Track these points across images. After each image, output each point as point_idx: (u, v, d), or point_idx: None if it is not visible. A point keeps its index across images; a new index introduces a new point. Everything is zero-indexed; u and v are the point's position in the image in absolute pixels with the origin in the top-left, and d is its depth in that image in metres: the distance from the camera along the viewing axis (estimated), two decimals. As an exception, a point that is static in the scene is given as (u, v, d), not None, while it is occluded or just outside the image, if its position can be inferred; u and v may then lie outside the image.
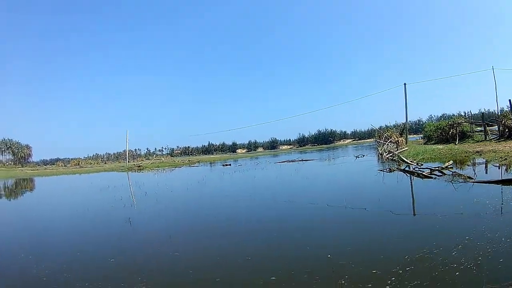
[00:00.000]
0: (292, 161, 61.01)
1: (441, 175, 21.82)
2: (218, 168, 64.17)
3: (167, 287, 10.55)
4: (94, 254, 14.80)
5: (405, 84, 57.16)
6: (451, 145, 32.06)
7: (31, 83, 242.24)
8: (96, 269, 12.66)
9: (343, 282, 8.15)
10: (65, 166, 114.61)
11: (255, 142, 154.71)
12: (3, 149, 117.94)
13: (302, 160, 59.00)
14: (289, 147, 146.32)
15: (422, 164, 27.25)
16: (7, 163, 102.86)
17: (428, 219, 12.27)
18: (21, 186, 48.99)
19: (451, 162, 25.09)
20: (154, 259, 13.44)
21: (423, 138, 50.54)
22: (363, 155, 53.17)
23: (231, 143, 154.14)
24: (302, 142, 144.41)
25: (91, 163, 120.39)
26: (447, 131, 38.34)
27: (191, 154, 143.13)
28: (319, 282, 8.48)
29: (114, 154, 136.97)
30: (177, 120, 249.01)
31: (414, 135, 55.95)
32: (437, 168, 23.06)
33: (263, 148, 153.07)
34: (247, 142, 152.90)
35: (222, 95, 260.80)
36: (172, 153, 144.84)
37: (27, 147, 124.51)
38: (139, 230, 19.14)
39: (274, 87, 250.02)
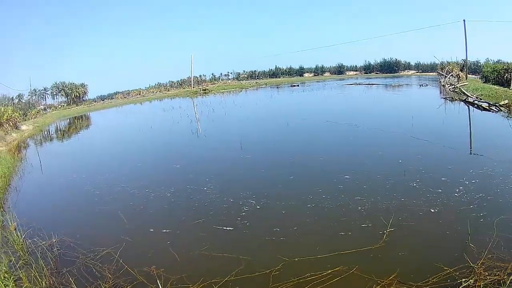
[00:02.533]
0: (359, 84, 60.85)
1: (497, 111, 22.99)
2: (286, 89, 64.33)
3: (237, 184, 12.75)
4: (165, 160, 17.61)
5: (464, 20, 55.03)
6: (506, 88, 32.50)
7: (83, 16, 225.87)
8: (164, 172, 15.41)
9: (414, 184, 10.68)
10: (124, 97, 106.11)
11: (322, 67, 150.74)
12: (55, 93, 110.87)
13: (369, 84, 58.83)
14: (355, 73, 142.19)
15: (481, 99, 28.25)
16: (59, 106, 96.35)
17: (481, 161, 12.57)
18: (72, 125, 46.32)
19: (507, 101, 25.93)
20: (225, 162, 15.92)
21: (480, 78, 50.00)
22: (426, 85, 53.29)
23: (298, 67, 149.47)
24: (368, 69, 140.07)
25: (153, 91, 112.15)
26: (503, 75, 38.35)
27: (257, 78, 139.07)
28: (392, 181, 11.15)
29: (177, 81, 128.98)
30: (243, 42, 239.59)
31: (472, 75, 54.50)
32: (495, 104, 24.36)
33: (330, 73, 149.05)
34: (314, 66, 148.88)
35: (290, 15, 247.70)
36: (238, 77, 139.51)
37: (82, 85, 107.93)
38: (208, 140, 21.51)
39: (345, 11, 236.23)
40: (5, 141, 30.07)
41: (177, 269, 7.55)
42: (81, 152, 24.61)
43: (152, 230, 9.66)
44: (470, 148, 14.92)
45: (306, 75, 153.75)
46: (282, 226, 9.01)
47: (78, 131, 38.90)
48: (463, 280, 5.77)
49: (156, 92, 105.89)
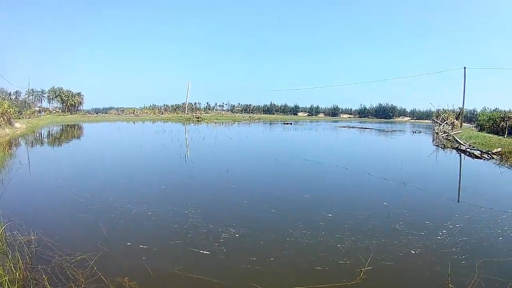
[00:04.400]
0: (353, 127, 61.53)
1: (489, 159, 23.17)
2: (278, 126, 65.18)
3: (219, 211, 12.60)
4: (151, 180, 17.40)
5: (464, 68, 55.62)
6: (500, 137, 32.92)
7: (88, 28, 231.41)
8: (148, 191, 15.27)
9: (397, 226, 10.62)
10: (118, 114, 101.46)
11: (317, 107, 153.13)
12: (51, 97, 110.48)
13: (363, 128, 59.45)
14: (349, 116, 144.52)
15: (473, 147, 28.52)
16: (54, 111, 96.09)
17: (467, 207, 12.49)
18: (66, 131, 47.21)
19: (500, 149, 26.13)
20: (209, 189, 15.88)
21: (476, 127, 50.59)
22: (420, 132, 53.81)
23: (293, 105, 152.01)
24: (363, 113, 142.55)
25: (147, 112, 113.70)
26: (498, 123, 38.85)
27: (251, 112, 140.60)
28: (375, 222, 11.06)
29: (172, 106, 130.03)
30: (239, 76, 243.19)
31: (467, 124, 55.16)
32: (488, 151, 24.60)
33: (324, 114, 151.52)
34: (309, 106, 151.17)
35: (290, 53, 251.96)
36: (232, 109, 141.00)
37: (79, 95, 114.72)
38: (196, 166, 21.33)
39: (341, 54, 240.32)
40: None
41: (149, 284, 7.57)
42: (70, 160, 24.66)
43: (129, 244, 9.70)
44: (458, 195, 14.75)
45: (300, 114, 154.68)
46: (259, 256, 8.93)
47: (70, 139, 39.24)
48: None
49: (150, 114, 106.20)
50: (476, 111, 62.88)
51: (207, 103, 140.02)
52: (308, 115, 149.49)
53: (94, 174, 18.82)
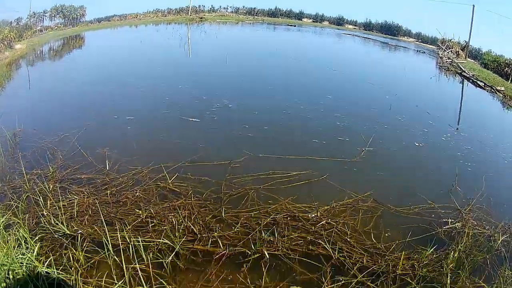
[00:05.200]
0: (357, 36, 59.89)
1: (494, 92, 22.43)
2: (282, 27, 63.58)
3: (215, 87, 12.21)
4: (148, 65, 16.91)
5: (473, 5, 53.62)
6: (504, 80, 32.28)
7: None
8: (144, 73, 14.78)
9: (399, 118, 10.00)
10: (121, 20, 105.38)
11: (322, 15, 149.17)
12: (53, 15, 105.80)
13: (367, 38, 57.67)
14: (354, 27, 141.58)
15: (477, 78, 27.85)
16: (56, 27, 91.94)
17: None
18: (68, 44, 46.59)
19: (503, 88, 25.43)
20: (207, 72, 15.14)
21: (480, 64, 49.76)
22: (424, 52, 52.73)
23: (298, 11, 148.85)
24: (368, 26, 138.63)
25: (150, 16, 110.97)
26: (503, 68, 37.92)
27: (256, 15, 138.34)
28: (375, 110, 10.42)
29: (175, 9, 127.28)
30: None
31: (472, 60, 54.05)
32: (492, 86, 23.85)
33: (329, 22, 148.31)
34: (314, 13, 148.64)
35: None
36: (237, 11, 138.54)
37: (81, 8, 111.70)
38: (196, 54, 20.66)
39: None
40: None
41: (130, 152, 7.21)
42: (70, 62, 23.15)
43: (116, 117, 9.38)
44: (459, 115, 13.87)
45: (305, 19, 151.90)
46: (252, 124, 8.58)
47: (70, 48, 37.83)
48: (450, 220, 5.21)
49: (153, 17, 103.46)
50: (481, 50, 61.71)
51: (212, 5, 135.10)
52: (313, 21, 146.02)
53: (91, 71, 17.84)
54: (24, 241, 4.82)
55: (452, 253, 4.27)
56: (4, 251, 4.68)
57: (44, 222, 5.24)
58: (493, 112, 15.86)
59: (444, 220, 5.23)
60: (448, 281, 3.90)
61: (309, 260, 4.37)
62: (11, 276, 4.50)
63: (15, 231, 5.01)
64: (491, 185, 6.72)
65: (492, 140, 10.12)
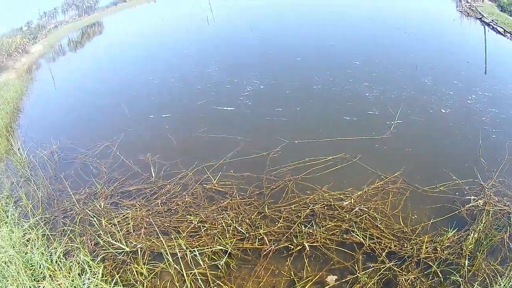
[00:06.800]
0: None
1: None
2: None
3: (243, 65, 12.24)
4: (173, 48, 17.08)
5: None
6: None
7: None
8: (170, 59, 14.98)
9: (425, 81, 9.88)
10: None
11: None
12: (65, 9, 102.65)
13: None
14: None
15: (496, 23, 26.78)
16: (71, 19, 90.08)
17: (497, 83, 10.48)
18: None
19: None
20: (232, 45, 15.49)
21: (497, 6, 47.43)
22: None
23: None
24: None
25: None
26: None
27: None
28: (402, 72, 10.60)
29: None
30: None
31: (489, 1, 51.19)
32: (510, 32, 22.89)
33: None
34: None
35: None
36: None
37: None
38: (218, 26, 20.51)
39: None
40: (14, 69, 28.93)
41: (172, 154, 7.46)
42: (91, 57, 23.28)
43: (152, 116, 9.59)
44: (485, 65, 13.83)
45: None
46: (285, 106, 8.78)
47: (90, 38, 37.20)
48: (472, 198, 5.36)
49: None
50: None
51: None
52: None
53: (115, 60, 18.29)
54: (87, 265, 5.03)
55: (472, 234, 4.49)
56: (70, 280, 4.90)
57: (103, 243, 5.45)
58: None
59: (467, 197, 5.36)
60: (466, 263, 4.15)
61: (343, 249, 4.70)
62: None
63: (75, 257, 5.22)
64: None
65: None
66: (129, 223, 5.73)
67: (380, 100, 8.73)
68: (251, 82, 10.36)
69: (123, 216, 5.98)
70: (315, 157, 6.53)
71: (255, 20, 19.91)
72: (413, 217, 5.06)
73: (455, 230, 4.69)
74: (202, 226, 5.37)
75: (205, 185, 6.28)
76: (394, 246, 4.58)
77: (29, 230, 6.19)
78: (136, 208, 6.08)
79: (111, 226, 5.74)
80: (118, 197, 6.60)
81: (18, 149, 9.47)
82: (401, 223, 4.94)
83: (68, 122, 11.24)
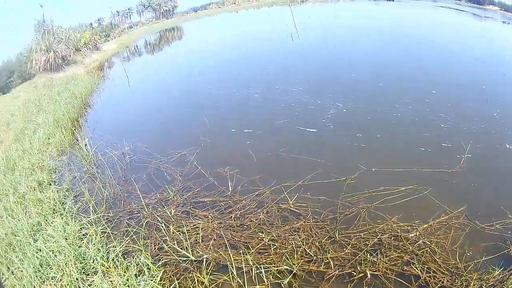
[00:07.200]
0: (448, 7, 52.64)
1: None
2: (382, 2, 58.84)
3: (326, 85, 12.62)
4: (257, 62, 17.36)
5: None
6: None
7: None
8: (255, 73, 15.35)
9: (494, 114, 10.09)
10: (219, 7, 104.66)
11: None
12: (140, 11, 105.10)
13: (457, 9, 50.45)
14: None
15: None
16: (147, 22, 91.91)
17: None
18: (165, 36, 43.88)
19: None
20: (316, 64, 15.70)
21: None
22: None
23: None
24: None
25: (249, 0, 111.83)
26: None
27: None
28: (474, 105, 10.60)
29: None
30: None
31: None
32: None
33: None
34: None
35: None
36: None
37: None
38: (302, 43, 20.62)
39: None
40: (83, 64, 29.31)
41: (251, 170, 7.73)
42: (170, 61, 24.31)
43: (233, 130, 9.96)
44: None
45: None
46: (365, 132, 9.09)
47: (169, 43, 37.85)
48: None
49: (253, 1, 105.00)
50: None
51: None
52: None
53: (197, 67, 18.66)
54: (147, 267, 5.24)
55: (513, 275, 4.64)
56: (124, 279, 5.07)
57: (168, 248, 5.66)
58: None
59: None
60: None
61: (401, 280, 4.95)
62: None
63: (135, 258, 5.44)
64: None
65: None
66: (199, 233, 5.98)
67: (453, 132, 8.93)
68: (334, 104, 10.76)
69: (194, 225, 6.26)
70: (389, 186, 6.88)
71: (338, 38, 20.90)
72: (468, 253, 5.30)
73: (501, 269, 4.89)
74: (272, 244, 5.63)
75: (280, 205, 6.61)
76: (447, 281, 4.84)
77: (87, 225, 6.49)
78: (208, 220, 6.35)
79: (179, 233, 6.02)
80: (191, 206, 6.88)
81: (85, 145, 10.04)
82: (457, 258, 5.20)
83: (143, 126, 11.82)
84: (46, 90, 19.46)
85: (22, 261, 5.80)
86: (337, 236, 5.79)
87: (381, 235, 5.74)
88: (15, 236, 6.66)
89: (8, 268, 5.90)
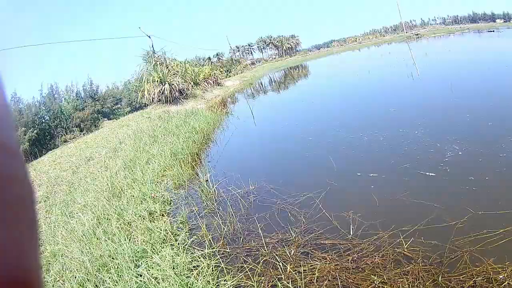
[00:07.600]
0: None
1: None
2: (484, 34, 54.81)
3: (444, 128, 12.51)
4: (380, 104, 17.42)
5: None
6: None
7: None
8: (378, 116, 15.43)
9: None
10: (341, 45, 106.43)
11: (508, 14, 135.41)
12: (261, 47, 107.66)
13: None
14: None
15: None
16: (270, 58, 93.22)
17: None
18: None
19: None
20: (435, 105, 15.46)
21: None
22: None
23: (489, 13, 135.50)
24: None
25: (369, 38, 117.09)
26: None
27: (459, 23, 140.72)
28: None
29: (390, 27, 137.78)
30: None
31: None
32: None
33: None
34: (501, 12, 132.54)
35: None
36: (444, 22, 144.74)
37: (293, 37, 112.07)
38: (422, 83, 20.63)
39: None
40: (204, 99, 30.43)
41: (373, 214, 8.15)
42: (295, 100, 25.38)
43: (359, 174, 10.45)
44: None
45: (497, 20, 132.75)
46: (476, 175, 9.17)
47: (295, 81, 39.02)
48: None
49: (372, 38, 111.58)
50: None
51: (421, 19, 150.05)
52: (504, 21, 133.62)
53: (322, 109, 19.58)
54: None
55: None
56: None
57: (281, 286, 5.82)
58: None
59: None
60: None
61: None
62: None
63: None
64: None
65: None
66: (315, 273, 6.11)
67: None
68: (451, 147, 11.01)
69: (311, 266, 6.39)
70: (493, 229, 7.08)
71: (454, 75, 20.98)
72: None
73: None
74: (382, 286, 5.94)
75: (396, 249, 6.95)
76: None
77: (200, 258, 6.63)
78: (326, 261, 6.53)
79: (295, 273, 6.16)
80: (311, 247, 7.10)
81: (206, 181, 10.45)
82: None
83: (268, 165, 12.50)
84: (161, 122, 20.72)
85: (116, 282, 6.03)
86: (439, 279, 6.15)
87: (476, 277, 6.03)
88: (113, 258, 6.89)
89: (97, 286, 6.24)
